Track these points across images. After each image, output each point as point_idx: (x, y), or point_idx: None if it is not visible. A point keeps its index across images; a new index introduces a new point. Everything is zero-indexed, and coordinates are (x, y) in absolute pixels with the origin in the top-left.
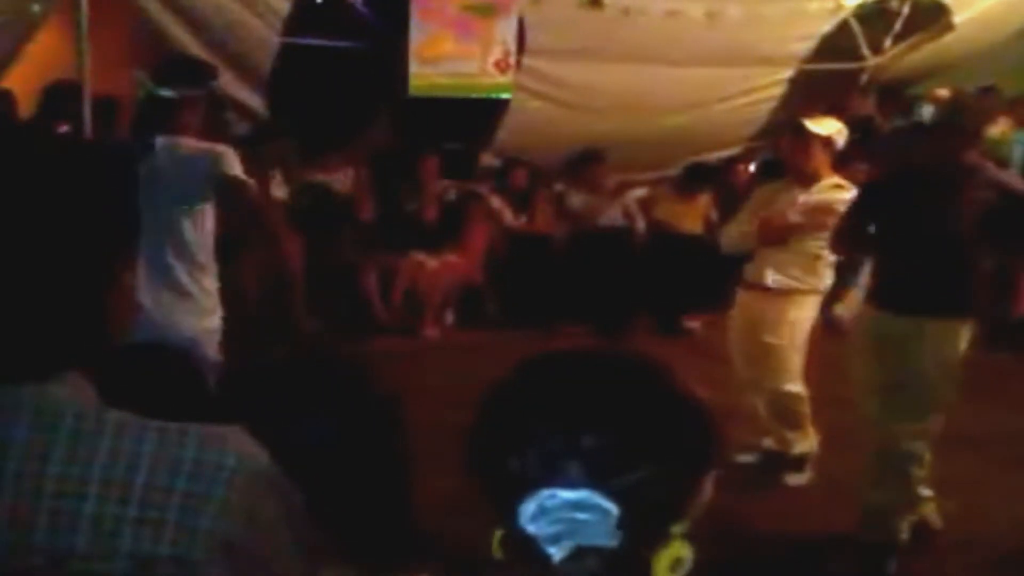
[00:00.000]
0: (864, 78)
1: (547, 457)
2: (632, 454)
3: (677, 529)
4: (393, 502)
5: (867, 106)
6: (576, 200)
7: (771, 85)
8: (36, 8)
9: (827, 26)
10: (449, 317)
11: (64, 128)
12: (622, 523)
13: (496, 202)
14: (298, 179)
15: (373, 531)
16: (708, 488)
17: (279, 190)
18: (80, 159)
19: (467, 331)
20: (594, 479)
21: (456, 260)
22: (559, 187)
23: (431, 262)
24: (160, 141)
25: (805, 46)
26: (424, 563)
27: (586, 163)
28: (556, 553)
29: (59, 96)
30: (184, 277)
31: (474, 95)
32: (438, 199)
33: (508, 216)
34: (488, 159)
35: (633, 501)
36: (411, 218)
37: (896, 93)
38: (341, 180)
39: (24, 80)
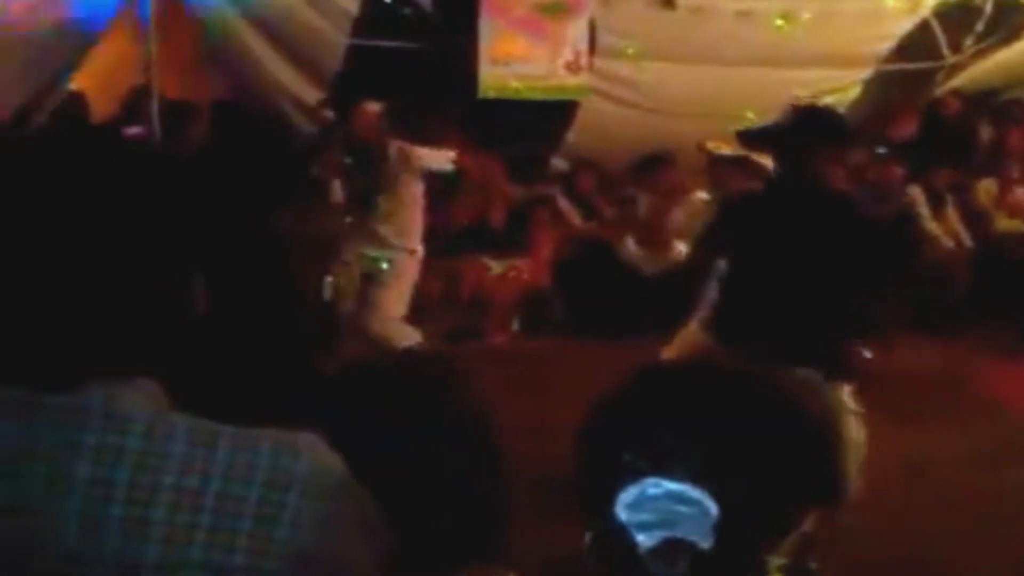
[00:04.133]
0: (940, 77)
1: (660, 450)
2: (742, 465)
3: (774, 562)
4: (481, 513)
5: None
6: (645, 204)
7: (847, 87)
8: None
9: (906, 25)
10: (514, 323)
11: (135, 131)
12: (719, 528)
13: (564, 205)
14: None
15: (454, 540)
16: (812, 524)
17: (340, 196)
18: (144, 163)
19: (533, 338)
20: (702, 478)
21: (523, 265)
22: (628, 191)
23: (497, 267)
24: None
25: (883, 46)
26: (500, 571)
27: (656, 166)
28: (646, 541)
29: (140, 100)
30: None
31: (545, 97)
32: (506, 203)
33: (576, 219)
34: (557, 162)
35: (734, 510)
36: (478, 222)
37: (986, 101)
38: None
39: (94, 84)
